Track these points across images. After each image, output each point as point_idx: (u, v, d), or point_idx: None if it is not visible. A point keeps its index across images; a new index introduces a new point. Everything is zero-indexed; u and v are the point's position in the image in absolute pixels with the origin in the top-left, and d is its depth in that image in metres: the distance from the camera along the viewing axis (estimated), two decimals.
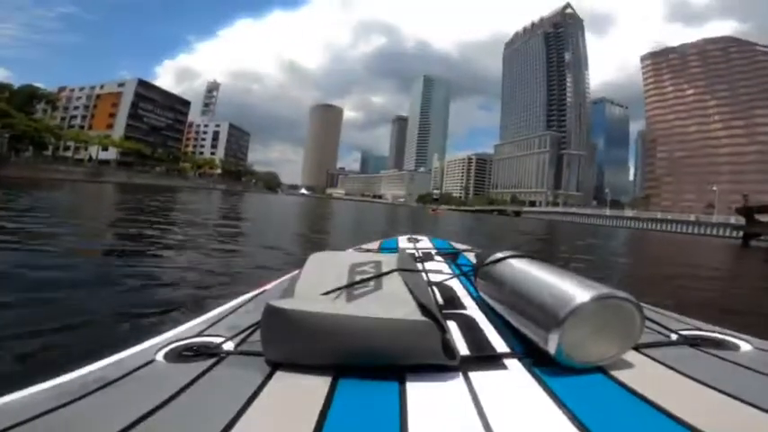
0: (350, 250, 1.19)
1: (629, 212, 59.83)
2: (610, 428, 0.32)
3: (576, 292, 0.41)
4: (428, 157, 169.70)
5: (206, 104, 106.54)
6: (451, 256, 1.17)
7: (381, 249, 1.35)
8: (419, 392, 0.37)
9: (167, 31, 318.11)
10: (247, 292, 0.79)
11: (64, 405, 0.35)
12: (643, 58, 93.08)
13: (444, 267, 1.00)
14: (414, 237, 1.63)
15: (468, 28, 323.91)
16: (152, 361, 0.45)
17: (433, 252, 1.23)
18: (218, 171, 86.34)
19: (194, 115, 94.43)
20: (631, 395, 0.37)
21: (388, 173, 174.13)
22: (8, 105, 38.29)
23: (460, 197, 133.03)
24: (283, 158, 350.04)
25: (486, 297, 0.62)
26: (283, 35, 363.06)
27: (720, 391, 0.37)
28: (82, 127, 62.49)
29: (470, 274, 0.76)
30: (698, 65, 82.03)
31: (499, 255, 0.62)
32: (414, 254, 1.12)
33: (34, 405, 0.35)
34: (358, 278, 0.57)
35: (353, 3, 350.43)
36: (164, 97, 75.10)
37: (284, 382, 0.40)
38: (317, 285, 0.54)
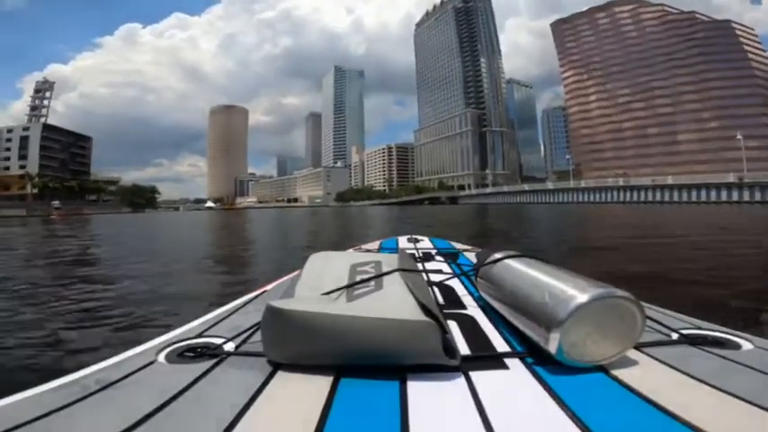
0: (350, 250, 1.18)
1: (583, 183, 51.73)
2: (611, 427, 0.32)
3: (577, 291, 0.41)
4: (347, 152, 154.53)
5: (33, 108, 76.54)
6: (452, 256, 1.15)
7: (381, 249, 1.34)
8: (420, 392, 0.37)
9: (33, 43, 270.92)
10: (248, 293, 0.78)
11: (66, 406, 0.35)
12: (552, 26, 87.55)
13: (445, 267, 0.98)
14: (414, 237, 1.61)
15: (374, 21, 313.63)
16: (153, 362, 0.45)
17: (434, 252, 1.22)
18: (31, 190, 60.82)
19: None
20: (632, 394, 0.37)
21: (303, 172, 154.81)
22: None
23: (384, 190, 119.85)
24: (197, 172, 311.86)
25: (486, 297, 0.62)
26: (182, 41, 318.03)
27: (721, 390, 0.37)
28: None
29: (471, 274, 0.75)
30: (609, 28, 77.40)
31: (499, 255, 0.61)
32: (414, 254, 1.11)
33: (36, 406, 0.35)
34: (358, 278, 0.57)
35: (256, 1, 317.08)
36: None
37: (285, 382, 0.40)
38: (317, 286, 0.54)
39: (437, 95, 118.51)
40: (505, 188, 64.47)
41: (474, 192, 75.08)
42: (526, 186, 58.35)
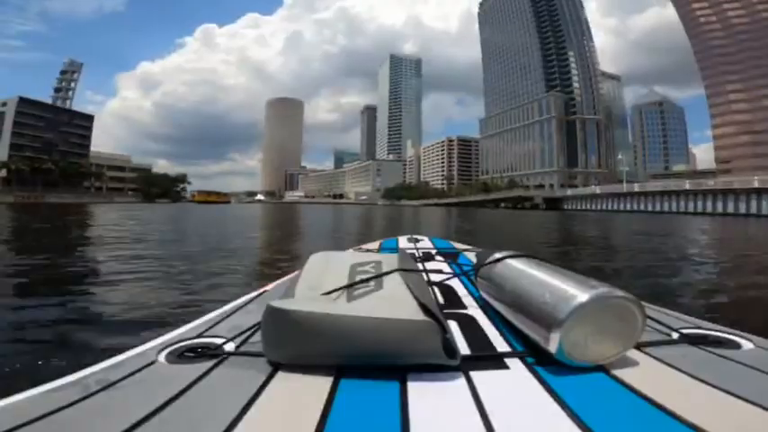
0: (350, 250, 1.17)
1: None
2: (611, 427, 0.32)
3: (577, 291, 0.41)
4: (402, 147, 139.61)
5: (57, 89, 70.16)
6: (452, 256, 1.15)
7: (381, 249, 1.33)
8: (420, 392, 0.37)
9: (128, 42, 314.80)
10: (248, 293, 0.78)
11: (66, 406, 0.35)
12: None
13: (445, 267, 0.98)
14: (414, 237, 1.60)
15: (433, 17, 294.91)
16: (153, 362, 0.45)
17: (434, 252, 1.21)
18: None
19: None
20: (633, 394, 0.37)
21: (352, 166, 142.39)
22: None
23: (443, 188, 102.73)
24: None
25: (486, 297, 0.62)
26: (250, 40, 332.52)
27: (722, 390, 0.37)
28: None
29: (471, 274, 0.75)
30: None
31: (499, 254, 0.61)
32: (414, 254, 1.11)
33: (36, 406, 0.35)
34: (358, 278, 0.57)
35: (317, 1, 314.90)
36: None
37: (285, 382, 0.40)
38: (317, 286, 0.54)
39: (509, 79, 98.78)
40: (649, 186, 42.45)
41: (589, 191, 53.05)
42: (688, 184, 37.38)
